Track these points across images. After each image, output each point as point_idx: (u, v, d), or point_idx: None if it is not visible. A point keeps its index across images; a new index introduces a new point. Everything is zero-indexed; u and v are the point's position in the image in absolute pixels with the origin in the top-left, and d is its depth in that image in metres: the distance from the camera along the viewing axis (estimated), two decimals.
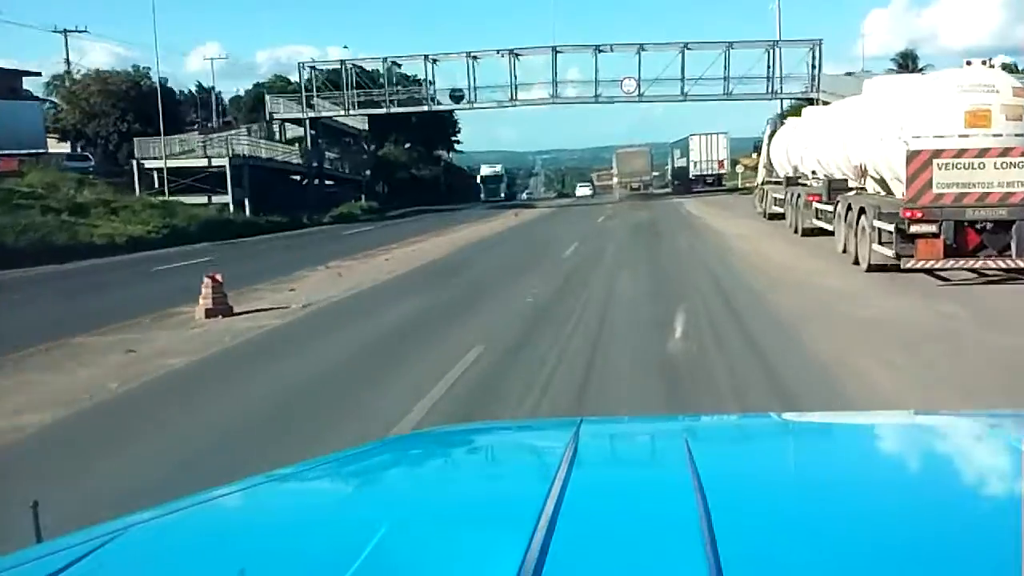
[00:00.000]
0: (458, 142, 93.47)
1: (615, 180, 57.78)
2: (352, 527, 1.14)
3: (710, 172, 56.20)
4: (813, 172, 19.57)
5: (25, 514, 1.35)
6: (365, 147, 59.26)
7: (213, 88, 62.62)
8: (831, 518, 1.06)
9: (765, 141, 27.83)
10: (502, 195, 66.89)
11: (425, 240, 23.79)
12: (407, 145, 66.67)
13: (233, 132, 43.24)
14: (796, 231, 19.31)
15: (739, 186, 55.34)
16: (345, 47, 58.61)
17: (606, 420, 3.19)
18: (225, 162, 35.84)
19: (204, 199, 35.07)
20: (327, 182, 51.55)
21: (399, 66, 45.14)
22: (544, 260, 16.93)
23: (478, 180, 69.88)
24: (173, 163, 35.81)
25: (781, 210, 23.01)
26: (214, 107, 60.43)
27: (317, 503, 1.40)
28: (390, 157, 64.35)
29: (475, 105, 44.30)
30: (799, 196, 19.08)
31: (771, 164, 26.49)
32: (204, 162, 36.46)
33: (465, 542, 1.03)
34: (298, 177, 46.23)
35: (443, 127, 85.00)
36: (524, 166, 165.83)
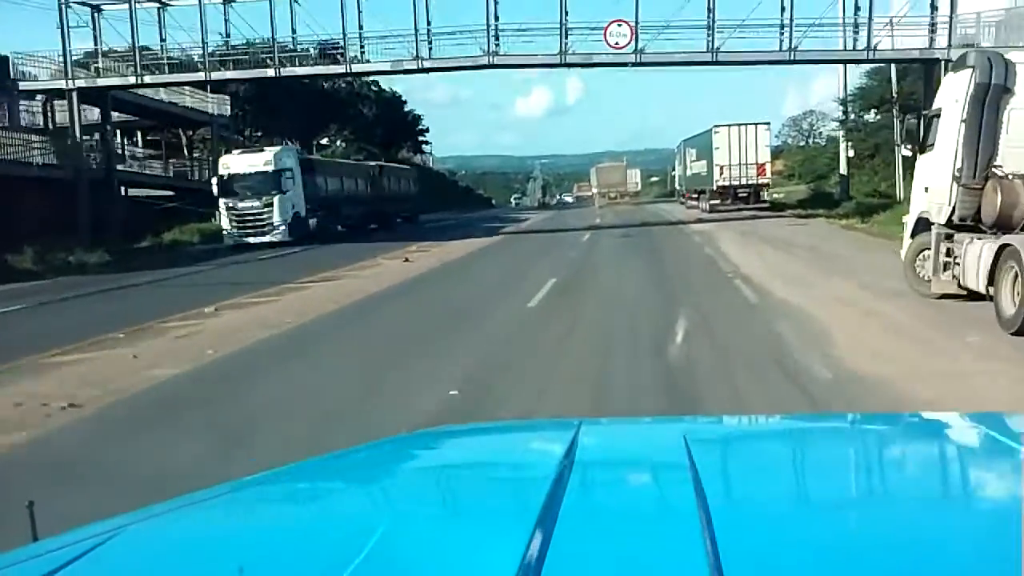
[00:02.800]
0: (426, 142, 78.95)
1: (595, 191, 64.23)
2: (351, 527, 1.12)
3: (744, 182, 37.54)
4: None
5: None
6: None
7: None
8: (831, 519, 1.05)
9: (962, 117, 10.18)
10: (278, 224, 28.07)
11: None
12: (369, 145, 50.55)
13: None
14: None
15: (769, 200, 38.14)
16: None
17: (606, 421, 2.83)
18: None
19: None
20: (165, 193, 34.35)
21: (232, 3, 26.95)
22: None
23: (213, 189, 28.92)
24: None
25: None
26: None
27: (316, 502, 1.39)
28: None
29: (355, 68, 26.55)
30: None
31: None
32: None
33: (464, 543, 1.01)
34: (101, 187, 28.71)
35: (403, 122, 69.42)
36: (523, 170, 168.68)
